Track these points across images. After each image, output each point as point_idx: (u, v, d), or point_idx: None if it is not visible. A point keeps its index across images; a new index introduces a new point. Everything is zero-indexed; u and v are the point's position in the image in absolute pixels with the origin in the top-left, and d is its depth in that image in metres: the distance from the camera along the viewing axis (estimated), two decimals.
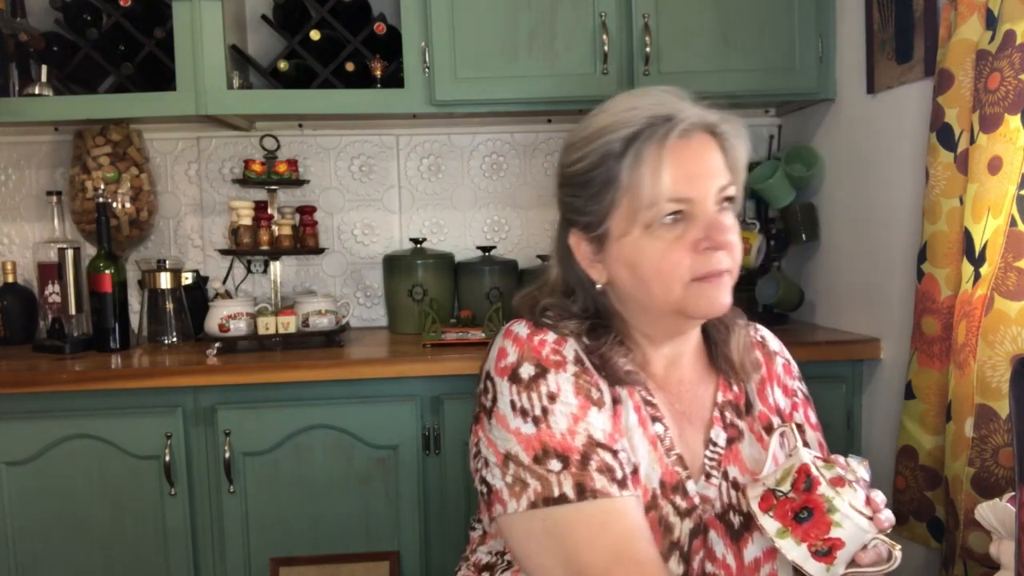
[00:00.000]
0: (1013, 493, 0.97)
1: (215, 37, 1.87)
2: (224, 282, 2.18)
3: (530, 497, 0.88)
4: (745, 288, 2.16)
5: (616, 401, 0.95)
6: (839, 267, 2.00)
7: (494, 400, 0.94)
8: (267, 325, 1.88)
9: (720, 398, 1.03)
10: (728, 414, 1.02)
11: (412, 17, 1.90)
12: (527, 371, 0.93)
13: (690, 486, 0.95)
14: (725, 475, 0.98)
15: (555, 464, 0.88)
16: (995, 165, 1.30)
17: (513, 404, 0.92)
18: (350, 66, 2.00)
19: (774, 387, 1.07)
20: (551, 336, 0.96)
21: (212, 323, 1.89)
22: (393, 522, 1.76)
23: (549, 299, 1.02)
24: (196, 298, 2.08)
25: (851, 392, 1.85)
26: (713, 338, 1.06)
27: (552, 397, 0.91)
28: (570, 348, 0.95)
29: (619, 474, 0.89)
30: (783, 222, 2.12)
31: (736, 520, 0.96)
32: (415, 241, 2.16)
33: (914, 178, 1.63)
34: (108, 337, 1.89)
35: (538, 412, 0.91)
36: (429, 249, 2.17)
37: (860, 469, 0.90)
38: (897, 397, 1.63)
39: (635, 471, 0.92)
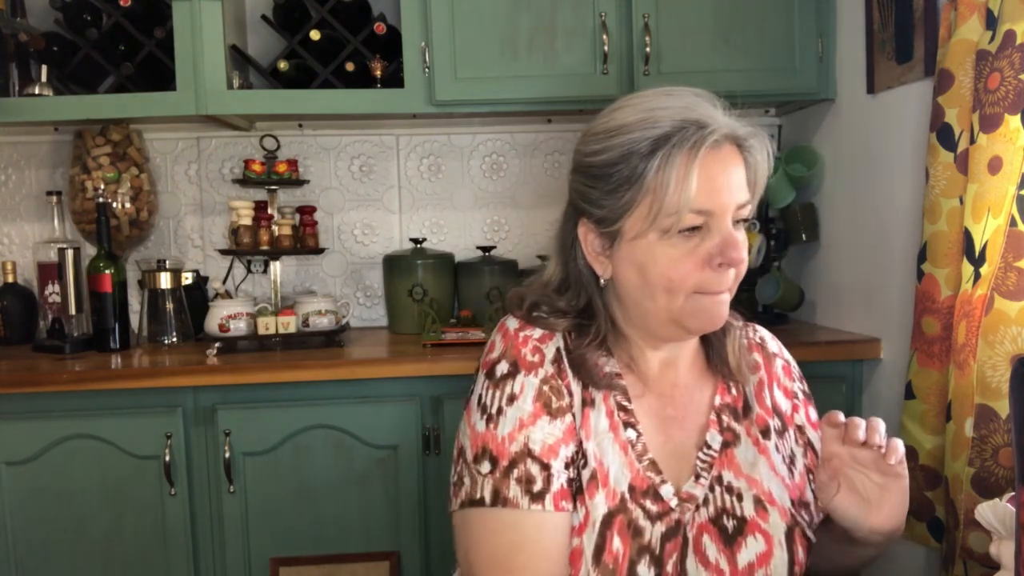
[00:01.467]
0: (1013, 493, 0.97)
1: (215, 37, 1.88)
2: (224, 282, 2.18)
3: (462, 497, 0.92)
4: (745, 288, 2.15)
5: (587, 403, 0.96)
6: (839, 267, 2.00)
7: (472, 392, 0.98)
8: (267, 325, 1.89)
9: (718, 401, 1.02)
10: (725, 417, 1.02)
11: (412, 17, 1.90)
12: (502, 368, 0.95)
13: (664, 490, 0.94)
14: (719, 479, 0.97)
15: (486, 466, 0.91)
16: (995, 165, 1.30)
17: (480, 399, 0.95)
18: (350, 66, 2.00)
19: (774, 389, 1.06)
20: (537, 332, 0.97)
21: (212, 323, 1.89)
22: (393, 522, 1.76)
23: (539, 295, 1.02)
24: (196, 298, 2.08)
25: (851, 392, 1.84)
26: (710, 340, 1.05)
27: (511, 399, 0.93)
28: (552, 346, 0.97)
29: (537, 487, 0.90)
30: (783, 222, 2.12)
31: (730, 525, 0.95)
32: (415, 241, 2.16)
33: (914, 178, 1.63)
34: (108, 337, 1.89)
35: (493, 411, 0.93)
36: (429, 249, 2.17)
37: None
38: (897, 397, 1.62)
39: (593, 477, 0.93)
